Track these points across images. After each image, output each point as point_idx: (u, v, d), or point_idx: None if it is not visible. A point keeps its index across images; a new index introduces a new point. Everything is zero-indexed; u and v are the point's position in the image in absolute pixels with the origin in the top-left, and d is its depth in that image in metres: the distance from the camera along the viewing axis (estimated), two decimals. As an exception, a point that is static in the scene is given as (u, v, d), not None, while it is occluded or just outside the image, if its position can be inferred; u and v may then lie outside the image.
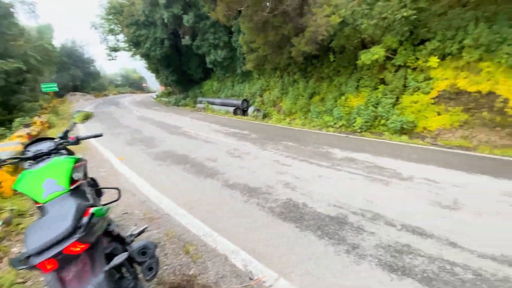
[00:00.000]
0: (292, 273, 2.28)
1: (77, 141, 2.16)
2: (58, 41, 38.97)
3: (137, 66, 46.57)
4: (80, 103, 24.37)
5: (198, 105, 17.75)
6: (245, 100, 14.90)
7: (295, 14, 8.66)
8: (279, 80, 14.42)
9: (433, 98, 7.87)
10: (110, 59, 21.27)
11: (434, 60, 7.79)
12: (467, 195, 3.65)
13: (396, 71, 8.97)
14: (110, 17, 19.82)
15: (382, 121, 8.49)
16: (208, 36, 15.57)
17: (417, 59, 8.23)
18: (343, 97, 10.44)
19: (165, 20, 15.54)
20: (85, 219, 1.31)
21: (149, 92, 43.16)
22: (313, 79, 12.90)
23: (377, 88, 9.46)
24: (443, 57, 7.83)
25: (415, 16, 7.18)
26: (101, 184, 2.67)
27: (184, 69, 21.17)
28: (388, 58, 9.07)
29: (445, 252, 2.46)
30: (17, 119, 10.19)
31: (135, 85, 48.74)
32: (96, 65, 37.79)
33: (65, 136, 2.12)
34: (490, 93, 6.99)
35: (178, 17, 15.28)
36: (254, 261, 2.46)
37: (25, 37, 17.11)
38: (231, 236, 2.85)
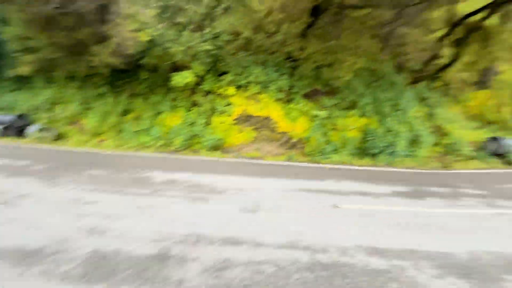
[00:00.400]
0: None
1: None
2: None
3: None
4: None
5: None
6: (22, 116, 10.62)
7: (94, 19, 7.40)
8: (79, 92, 11.67)
9: (235, 120, 9.66)
10: None
11: (232, 90, 9.62)
12: (263, 197, 4.66)
13: (206, 95, 10.15)
14: None
15: (199, 140, 9.19)
16: None
17: (220, 87, 9.78)
18: (159, 117, 10.24)
19: None
20: None
21: None
22: (126, 94, 11.67)
23: (191, 109, 10.16)
24: (239, 87, 9.86)
25: (214, 52, 8.48)
26: None
27: None
28: (198, 84, 10.07)
29: (254, 254, 2.91)
30: None
31: None
32: None
33: None
34: (268, 117, 9.67)
35: None
36: None
37: None
38: None
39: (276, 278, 2.58)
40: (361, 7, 9.05)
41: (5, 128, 9.87)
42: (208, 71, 9.85)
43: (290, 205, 4.37)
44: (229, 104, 9.77)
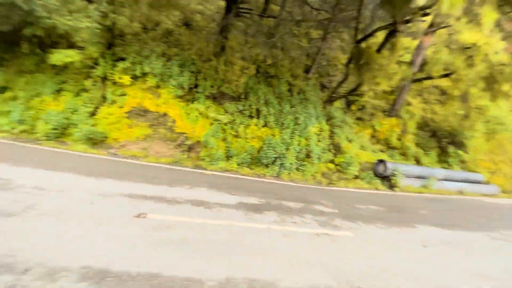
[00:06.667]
0: None
1: None
2: None
3: None
4: None
5: None
6: None
7: None
8: None
9: (126, 113, 8.59)
10: None
11: (127, 79, 8.59)
12: (57, 198, 3.72)
13: (100, 82, 8.93)
14: None
15: (73, 130, 7.88)
16: None
17: (114, 74, 8.68)
18: (37, 99, 8.68)
19: None
20: None
21: None
22: (11, 70, 9.86)
23: (79, 95, 8.83)
24: (135, 78, 8.86)
25: (98, 30, 7.44)
26: None
27: None
28: (92, 67, 8.83)
29: None
30: None
31: None
32: None
33: None
34: (165, 114, 8.81)
35: None
36: None
37: None
38: None
39: None
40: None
41: None
42: (103, 55, 8.70)
43: (79, 210, 3.51)
44: (123, 95, 8.71)
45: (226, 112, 9.17)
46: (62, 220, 3.20)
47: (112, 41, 8.64)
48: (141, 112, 8.75)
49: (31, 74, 9.76)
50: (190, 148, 8.70)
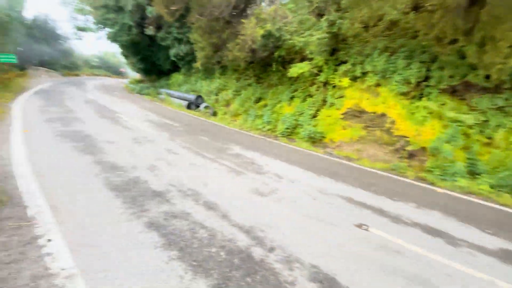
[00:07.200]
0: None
1: None
2: (31, 13, 37.27)
3: (118, 50, 45.49)
4: (41, 78, 23.65)
5: (160, 96, 17.98)
6: (199, 96, 15.39)
7: (236, 21, 9.36)
8: (236, 83, 15.08)
9: (342, 114, 8.82)
10: (76, 39, 20.90)
11: (346, 81, 8.76)
12: (288, 189, 4.39)
13: (322, 87, 9.90)
14: (81, -5, 19.63)
15: (299, 130, 9.34)
16: (173, 29, 15.95)
17: (335, 78, 9.18)
18: (279, 105, 11.27)
19: (130, 8, 15.74)
20: None
21: (126, 77, 42.31)
22: (264, 85, 13.73)
23: (305, 100, 10.35)
24: (355, 79, 8.81)
25: (325, 39, 8.06)
26: None
27: (153, 59, 21.30)
28: (317, 75, 10.01)
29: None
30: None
31: (113, 69, 47.57)
32: (70, 43, 36.63)
33: None
34: (383, 115, 8.01)
35: (142, 6, 15.55)
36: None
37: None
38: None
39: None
40: None
41: (189, 104, 14.81)
42: (326, 61, 9.52)
43: (306, 203, 3.86)
44: (341, 97, 9.04)
45: (473, 110, 6.62)
46: (296, 208, 3.68)
47: (336, 46, 9.14)
48: (356, 113, 8.59)
49: (275, 87, 12.90)
50: (411, 155, 7.29)
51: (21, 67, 24.99)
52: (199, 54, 11.68)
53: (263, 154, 6.53)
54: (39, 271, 1.97)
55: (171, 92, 17.37)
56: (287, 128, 9.54)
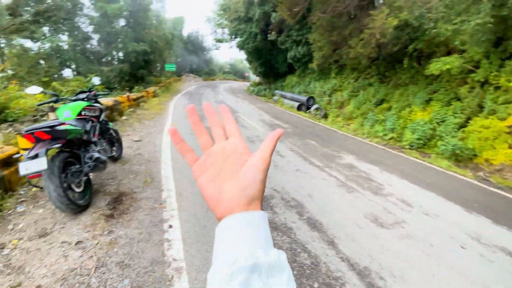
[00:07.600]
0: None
1: (95, 96, 3.71)
2: (186, 31, 48.15)
3: (244, 57, 52.02)
4: (190, 82, 30.15)
5: (274, 97, 18.99)
6: (311, 97, 15.06)
7: (362, 14, 8.34)
8: (353, 82, 13.74)
9: (509, 127, 6.17)
10: (215, 49, 25.18)
11: (524, 79, 6.05)
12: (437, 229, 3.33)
13: (478, 87, 7.34)
14: (221, 12, 23.36)
15: (437, 142, 7.28)
16: (293, 32, 16.32)
17: (500, 76, 6.55)
18: (407, 109, 9.30)
19: (257, 17, 17.25)
20: (58, 127, 2.67)
21: (249, 81, 47.75)
22: (390, 84, 11.84)
23: (450, 105, 8.02)
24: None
25: (488, 25, 5.76)
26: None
27: (272, 62, 22.74)
28: (471, 71, 7.52)
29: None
30: (136, 87, 14.36)
31: (240, 73, 54.88)
32: (211, 53, 44.95)
33: (89, 91, 3.69)
34: None
35: (268, 14, 16.68)
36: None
37: (154, 27, 22.77)
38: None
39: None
40: None
41: (300, 105, 14.74)
42: (487, 54, 6.95)
43: (447, 251, 2.76)
44: (508, 102, 6.39)
45: None
46: (433, 256, 2.69)
47: (504, 34, 6.48)
48: (544, 126, 5.77)
49: (405, 87, 10.76)
50: None
51: (178, 74, 32.77)
52: (317, 54, 11.28)
53: (383, 169, 5.43)
54: (157, 256, 2.23)
55: (284, 93, 17.91)
56: (419, 139, 7.65)
